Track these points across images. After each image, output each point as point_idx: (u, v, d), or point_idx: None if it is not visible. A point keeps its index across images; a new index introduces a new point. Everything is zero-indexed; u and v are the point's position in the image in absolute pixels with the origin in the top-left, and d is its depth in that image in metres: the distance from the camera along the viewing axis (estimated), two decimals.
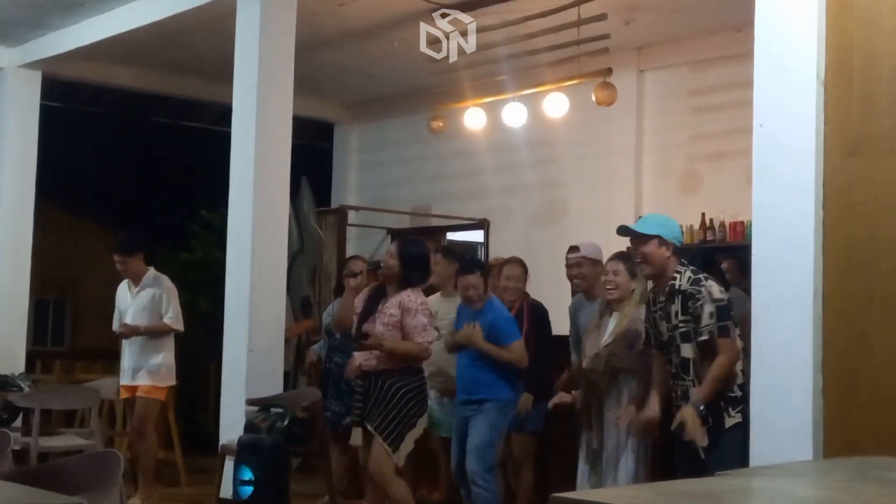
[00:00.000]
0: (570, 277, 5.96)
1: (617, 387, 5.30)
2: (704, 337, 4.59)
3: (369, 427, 5.34)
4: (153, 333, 6.96)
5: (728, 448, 4.57)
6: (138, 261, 7.10)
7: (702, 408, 4.56)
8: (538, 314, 6.22)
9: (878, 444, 3.97)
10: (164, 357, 7.01)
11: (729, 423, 4.61)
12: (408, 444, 5.38)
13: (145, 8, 7.85)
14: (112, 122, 10.72)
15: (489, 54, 7.66)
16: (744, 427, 4.56)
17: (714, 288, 4.67)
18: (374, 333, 5.33)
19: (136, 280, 7.08)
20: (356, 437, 5.57)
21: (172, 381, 7.14)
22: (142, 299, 7.04)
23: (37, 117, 9.26)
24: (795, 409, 4.18)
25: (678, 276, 4.73)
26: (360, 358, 5.47)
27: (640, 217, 5.00)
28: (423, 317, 5.39)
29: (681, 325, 4.69)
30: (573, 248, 5.96)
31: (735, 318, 4.68)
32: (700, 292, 4.64)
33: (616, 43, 7.39)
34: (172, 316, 6.98)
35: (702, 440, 4.56)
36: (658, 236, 4.76)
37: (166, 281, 7.10)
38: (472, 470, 5.66)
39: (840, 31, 4.25)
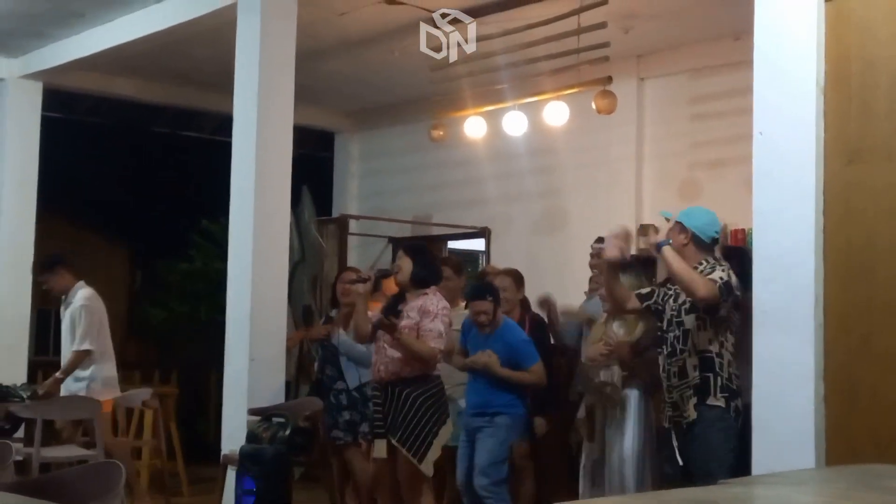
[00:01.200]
0: (591, 266, 6.04)
1: (623, 398, 5.33)
2: (710, 279, 4.65)
3: (393, 440, 5.33)
4: (72, 369, 6.95)
5: (707, 426, 4.70)
6: (60, 277, 7.09)
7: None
8: (539, 329, 6.25)
9: (881, 451, 3.97)
10: (93, 371, 6.98)
11: (711, 401, 4.71)
12: (434, 452, 5.38)
13: (145, 19, 7.86)
14: (112, 132, 10.74)
15: (489, 63, 7.66)
16: (729, 415, 4.68)
17: (734, 277, 4.76)
18: (402, 335, 5.34)
19: (64, 295, 7.10)
20: (379, 448, 5.52)
21: (111, 395, 7.09)
22: (66, 319, 7.07)
23: (38, 128, 9.28)
24: (797, 416, 4.18)
25: (704, 263, 4.81)
26: (378, 364, 5.47)
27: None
28: (440, 323, 5.39)
29: (688, 299, 4.78)
30: (599, 239, 6.04)
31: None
32: (719, 269, 4.74)
33: (616, 51, 7.39)
34: (79, 340, 6.92)
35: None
36: (679, 223, 4.89)
37: (83, 298, 7.03)
38: (481, 485, 5.62)
39: (838, 38, 4.26)
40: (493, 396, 5.73)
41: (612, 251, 5.39)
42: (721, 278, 4.69)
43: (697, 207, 5.13)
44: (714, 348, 4.76)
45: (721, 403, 4.71)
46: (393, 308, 5.52)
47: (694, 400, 4.75)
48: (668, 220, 5.03)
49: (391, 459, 5.43)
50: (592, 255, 6.11)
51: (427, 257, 5.60)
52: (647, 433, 5.27)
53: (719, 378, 4.74)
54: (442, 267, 6.68)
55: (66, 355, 7.12)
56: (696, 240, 4.86)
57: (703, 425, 4.73)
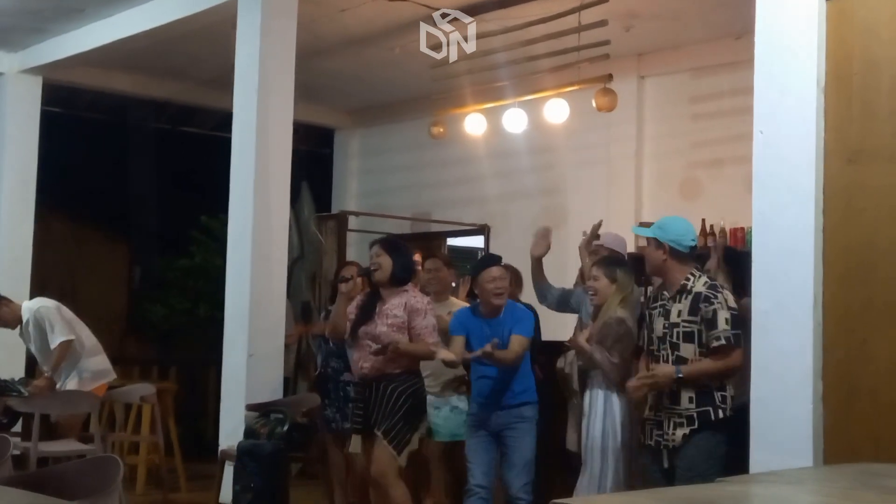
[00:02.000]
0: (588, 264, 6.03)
1: (590, 392, 5.31)
2: (721, 342, 4.58)
3: (377, 432, 5.30)
4: (60, 363, 6.96)
5: (700, 443, 4.62)
6: (3, 308, 7.09)
7: (680, 375, 4.61)
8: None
9: (879, 451, 3.98)
10: (83, 363, 7.03)
11: (715, 429, 4.64)
12: (413, 446, 5.36)
13: (145, 14, 7.86)
14: (112, 127, 10.72)
15: (489, 60, 7.66)
16: (722, 426, 4.62)
17: (730, 297, 4.68)
18: (392, 339, 5.29)
19: (17, 323, 7.11)
20: (355, 444, 5.53)
21: (102, 380, 7.14)
22: (34, 338, 7.07)
23: (37, 123, 9.27)
24: (796, 416, 4.18)
25: (692, 278, 4.73)
26: (360, 362, 5.44)
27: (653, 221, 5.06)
28: (431, 317, 5.40)
29: (684, 324, 4.68)
30: (596, 237, 6.03)
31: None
32: (717, 297, 4.64)
33: (616, 49, 7.39)
34: (52, 337, 6.93)
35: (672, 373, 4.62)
36: (654, 238, 4.81)
37: (36, 304, 7.09)
38: (517, 485, 5.48)
39: (840, 39, 4.26)
40: (513, 381, 5.58)
41: (537, 249, 5.45)
42: (727, 320, 4.57)
43: (670, 218, 5.01)
44: (714, 383, 4.65)
45: (718, 431, 4.63)
46: (371, 307, 5.48)
47: (685, 430, 4.63)
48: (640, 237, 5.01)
49: (367, 455, 5.42)
50: (590, 253, 6.12)
51: (403, 253, 5.57)
52: (611, 427, 5.23)
53: (720, 411, 4.63)
54: (432, 259, 6.71)
55: (43, 358, 7.10)
56: (674, 252, 4.77)
57: (693, 444, 4.64)
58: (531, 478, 5.54)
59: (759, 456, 4.28)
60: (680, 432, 4.65)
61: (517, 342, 5.51)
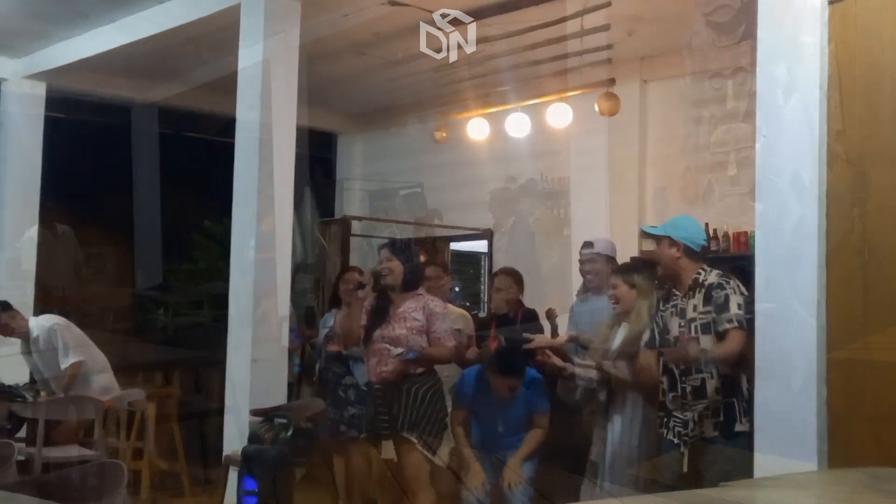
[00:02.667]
0: (583, 273, 6.03)
1: (622, 400, 5.31)
2: (734, 325, 4.58)
3: (408, 435, 5.30)
4: (72, 384, 6.95)
5: (731, 445, 4.62)
6: (12, 319, 7.05)
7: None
8: (531, 321, 6.25)
9: (882, 455, 3.97)
10: (92, 378, 7.04)
11: (738, 427, 4.64)
12: (447, 443, 5.43)
13: (149, 19, 7.87)
14: (115, 133, 10.74)
15: (492, 65, 7.67)
16: (749, 438, 4.59)
17: (740, 287, 4.72)
18: (416, 344, 5.32)
19: (23, 335, 7.06)
20: (387, 449, 5.53)
21: (107, 396, 7.11)
22: (43, 354, 7.05)
23: (41, 128, 9.29)
24: (799, 419, 4.17)
25: (703, 272, 4.79)
26: (379, 366, 5.44)
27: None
28: (449, 320, 5.47)
29: (700, 317, 4.71)
30: (587, 244, 6.02)
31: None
32: (729, 284, 4.69)
33: (619, 53, 7.41)
34: (68, 358, 6.92)
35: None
36: (668, 237, 4.84)
37: (46, 321, 7.06)
38: (525, 474, 5.53)
39: (843, 41, 4.26)
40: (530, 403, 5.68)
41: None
42: (740, 305, 4.60)
43: (681, 217, 5.09)
44: (735, 370, 4.69)
45: (746, 428, 4.61)
46: (383, 311, 5.48)
47: (713, 421, 4.66)
48: (648, 234, 5.02)
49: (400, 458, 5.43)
50: (581, 262, 6.11)
51: (412, 257, 5.60)
52: (632, 436, 5.24)
53: (744, 402, 4.64)
54: (432, 266, 6.72)
55: (53, 378, 7.08)
56: (687, 251, 4.84)
57: (725, 443, 4.65)
58: (531, 494, 5.53)
59: (763, 459, 4.28)
60: (710, 423, 4.67)
61: (541, 423, 5.62)
